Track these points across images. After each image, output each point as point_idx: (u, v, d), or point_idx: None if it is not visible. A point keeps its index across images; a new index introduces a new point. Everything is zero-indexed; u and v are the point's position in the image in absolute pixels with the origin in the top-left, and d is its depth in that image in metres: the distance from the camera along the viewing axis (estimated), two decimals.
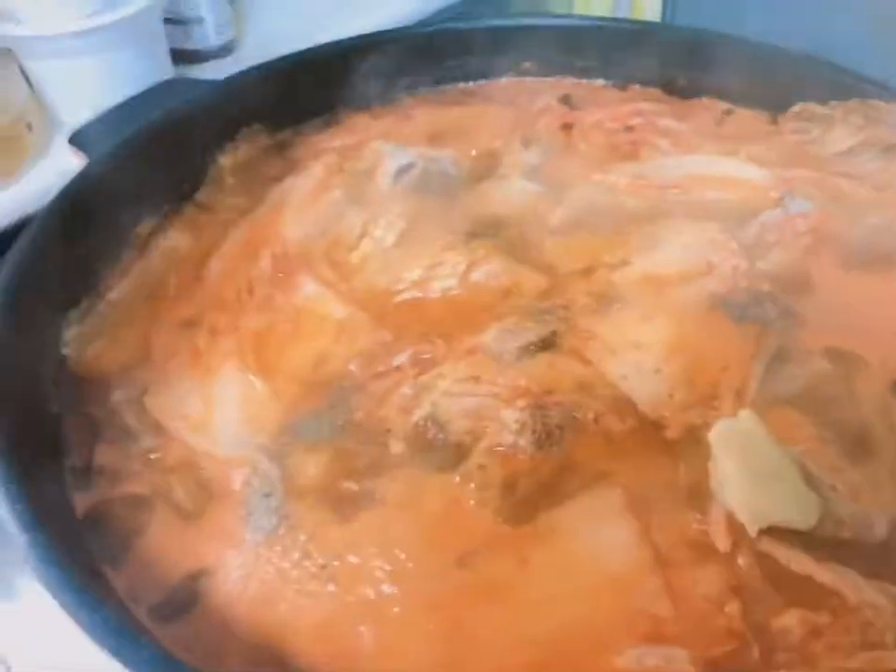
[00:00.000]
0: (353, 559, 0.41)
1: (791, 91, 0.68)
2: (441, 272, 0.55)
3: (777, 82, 0.68)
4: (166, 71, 0.89)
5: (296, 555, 0.41)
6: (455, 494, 0.43)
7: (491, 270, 0.55)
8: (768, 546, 0.39)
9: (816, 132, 0.64)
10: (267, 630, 0.39)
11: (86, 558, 0.41)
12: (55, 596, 0.34)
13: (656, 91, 0.75)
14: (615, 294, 0.53)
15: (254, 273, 0.57)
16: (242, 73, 0.71)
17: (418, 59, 0.76)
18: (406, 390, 0.48)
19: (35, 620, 0.55)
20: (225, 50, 1.00)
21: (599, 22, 0.81)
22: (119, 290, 0.58)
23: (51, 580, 0.34)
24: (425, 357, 0.50)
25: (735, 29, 0.73)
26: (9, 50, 0.78)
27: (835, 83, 0.66)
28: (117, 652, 0.32)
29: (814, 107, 0.66)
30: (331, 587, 0.40)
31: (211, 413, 0.48)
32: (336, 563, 0.41)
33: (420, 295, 0.55)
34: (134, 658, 0.31)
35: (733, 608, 0.37)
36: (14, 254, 0.52)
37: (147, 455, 0.47)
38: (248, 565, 0.41)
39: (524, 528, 0.42)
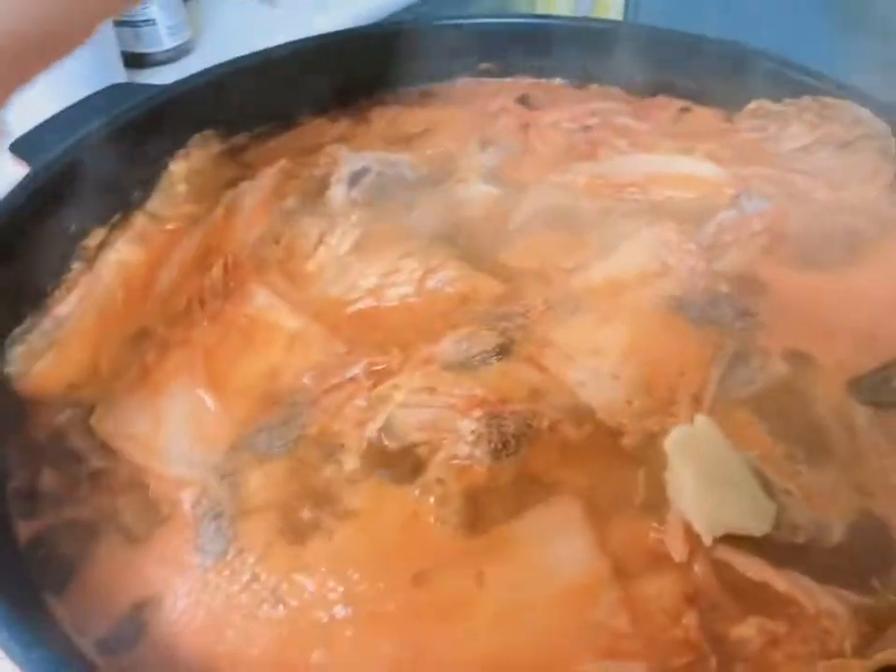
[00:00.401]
0: (304, 580, 0.39)
1: (747, 88, 0.68)
2: (397, 279, 0.54)
3: (733, 80, 0.68)
4: (118, 75, 0.87)
5: (245, 578, 0.40)
6: (413, 509, 0.42)
7: (447, 276, 0.54)
8: (724, 553, 0.38)
9: (772, 129, 0.64)
10: (216, 660, 0.38)
11: (28, 589, 0.40)
12: None
13: (614, 90, 0.75)
14: (573, 299, 0.53)
15: (205, 284, 0.56)
16: (191, 76, 0.69)
17: (374, 60, 0.75)
18: (360, 402, 0.47)
19: None
20: (180, 53, 0.98)
21: (557, 21, 0.80)
22: (66, 305, 0.56)
23: None
24: (380, 367, 0.49)
25: (696, 28, 0.73)
26: None
27: (790, 80, 0.66)
28: None
29: (769, 105, 0.66)
30: (282, 611, 0.39)
31: (159, 431, 0.47)
32: (286, 585, 0.39)
33: (375, 304, 0.54)
34: None
35: (690, 618, 0.37)
36: None
37: (93, 479, 0.45)
38: (196, 591, 0.40)
39: (480, 542, 0.41)
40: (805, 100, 0.63)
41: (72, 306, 0.56)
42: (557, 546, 0.40)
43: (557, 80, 0.77)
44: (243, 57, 0.72)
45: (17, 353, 0.52)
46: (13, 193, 0.56)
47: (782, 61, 0.66)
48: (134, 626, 0.39)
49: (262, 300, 0.54)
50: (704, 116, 0.69)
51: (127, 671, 0.37)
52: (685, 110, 0.70)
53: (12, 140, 0.64)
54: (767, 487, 0.40)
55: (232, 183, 0.66)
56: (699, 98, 0.70)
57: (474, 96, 0.75)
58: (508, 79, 0.77)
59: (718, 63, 0.69)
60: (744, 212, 0.56)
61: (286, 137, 0.72)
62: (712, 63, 0.69)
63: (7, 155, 0.67)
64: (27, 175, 0.58)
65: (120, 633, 0.39)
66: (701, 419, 0.42)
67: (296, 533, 0.42)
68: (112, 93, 0.69)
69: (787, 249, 0.55)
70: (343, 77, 0.74)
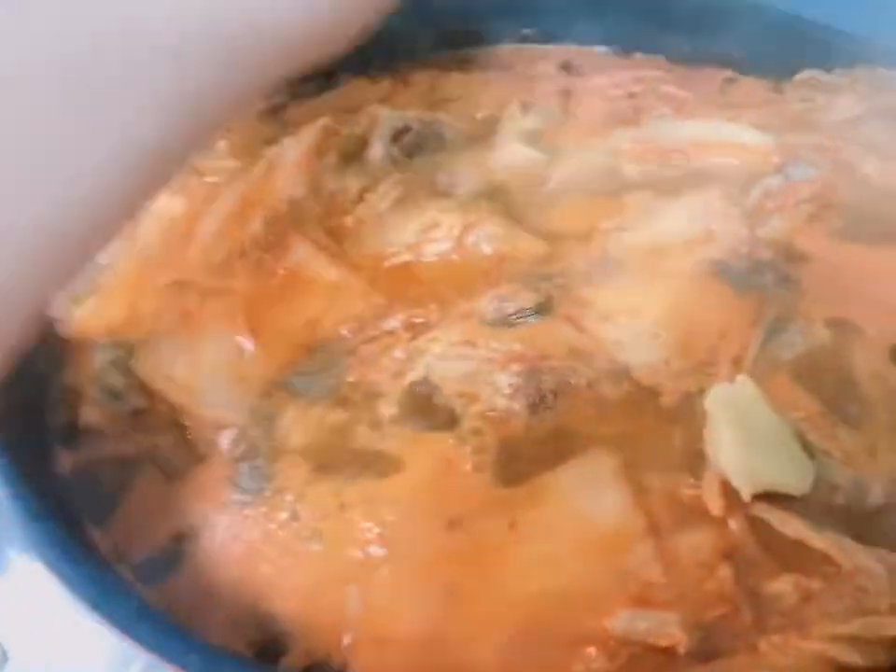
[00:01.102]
0: (340, 520, 0.40)
1: (796, 58, 0.67)
2: (437, 234, 0.54)
3: (782, 49, 0.67)
4: None
5: (282, 516, 0.41)
6: (448, 457, 0.42)
7: (487, 233, 0.54)
8: (762, 510, 0.38)
9: (821, 99, 0.62)
10: (252, 590, 0.38)
11: (70, 516, 0.40)
12: (37, 551, 0.33)
13: (659, 59, 0.73)
14: (613, 261, 0.52)
15: (246, 236, 0.56)
16: None
17: (417, 23, 0.75)
18: (398, 354, 0.47)
19: (30, 594, 0.55)
20: None
21: None
22: (106, 253, 0.57)
23: (35, 534, 0.34)
24: (418, 321, 0.49)
25: None
26: None
27: (841, 50, 0.64)
28: (98, 607, 0.31)
29: (819, 75, 0.64)
30: (317, 547, 0.39)
31: (198, 373, 0.47)
32: (322, 524, 0.40)
33: (414, 259, 0.54)
34: (117, 613, 0.31)
35: (725, 572, 0.37)
36: None
37: (133, 416, 0.46)
38: (233, 525, 0.41)
39: (514, 491, 0.41)
40: (858, 70, 0.62)
41: (113, 255, 0.57)
42: (592, 497, 0.40)
43: (600, 48, 0.76)
44: None
45: (60, 296, 0.53)
46: None
47: (833, 30, 0.65)
48: (172, 556, 0.40)
49: (302, 252, 0.54)
50: (751, 86, 0.68)
51: (164, 597, 0.38)
52: (731, 80, 0.68)
53: None
54: (807, 448, 0.40)
55: (272, 140, 0.66)
56: (746, 68, 0.69)
57: (515, 62, 0.74)
58: (549, 46, 0.77)
59: (766, 32, 0.67)
60: (790, 179, 0.55)
61: (326, 97, 0.72)
62: (760, 32, 0.67)
63: None
64: None
65: (158, 561, 0.40)
66: (741, 378, 0.42)
67: (332, 475, 0.42)
68: None
69: (832, 219, 0.54)
70: (385, 39, 0.74)
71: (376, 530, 0.39)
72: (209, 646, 0.31)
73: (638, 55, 0.74)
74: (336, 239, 0.56)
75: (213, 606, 0.38)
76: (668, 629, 0.35)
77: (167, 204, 0.60)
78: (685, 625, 0.35)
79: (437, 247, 0.54)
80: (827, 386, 0.44)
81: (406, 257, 0.54)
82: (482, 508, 0.40)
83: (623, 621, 0.35)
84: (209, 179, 0.63)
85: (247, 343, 0.49)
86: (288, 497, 0.41)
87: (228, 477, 0.43)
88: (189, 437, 0.45)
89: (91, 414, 0.47)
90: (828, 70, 0.64)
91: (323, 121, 0.65)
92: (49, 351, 0.50)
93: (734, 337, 0.47)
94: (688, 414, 0.43)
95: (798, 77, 0.66)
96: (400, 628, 0.37)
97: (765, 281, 0.50)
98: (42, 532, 0.34)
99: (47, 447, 0.45)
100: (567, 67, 0.73)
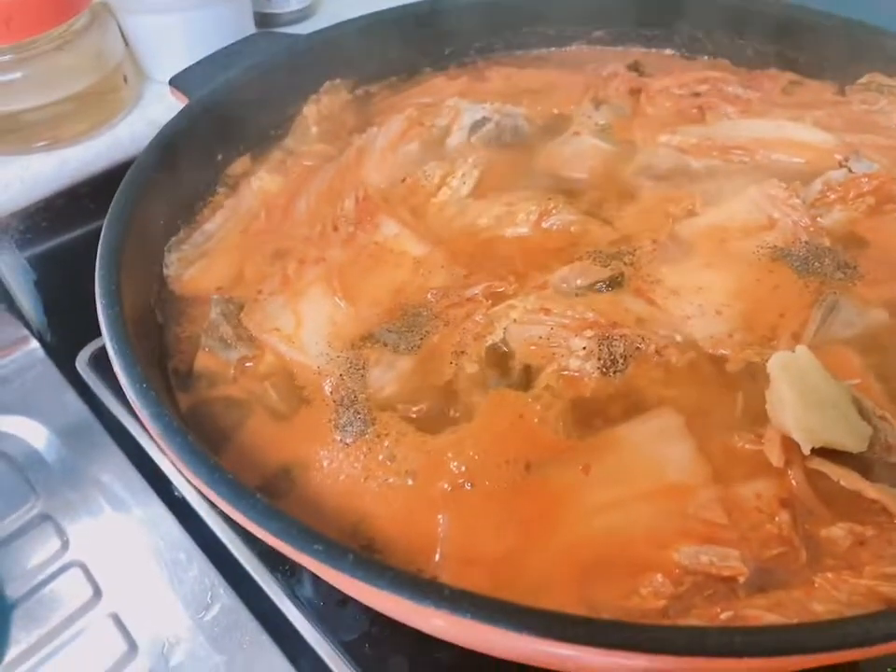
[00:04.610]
0: (432, 460, 0.45)
1: (859, 62, 0.70)
2: (515, 219, 0.59)
3: (845, 53, 0.70)
4: (249, 31, 0.94)
5: (380, 456, 0.45)
6: (523, 410, 0.47)
7: (562, 219, 0.59)
8: (819, 464, 0.41)
9: (882, 102, 0.66)
10: (353, 515, 0.43)
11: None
12: (179, 458, 0.38)
13: (723, 61, 0.77)
14: (680, 243, 0.56)
15: (338, 213, 0.61)
16: (326, 29, 0.75)
17: (495, 23, 0.80)
18: (479, 318, 0.52)
19: (121, 540, 0.61)
20: (304, 15, 1.04)
21: None
22: (213, 223, 0.63)
23: (175, 445, 0.39)
24: (497, 290, 0.54)
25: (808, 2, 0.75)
26: (106, 5, 0.83)
27: None
28: (234, 504, 0.36)
29: (881, 78, 0.67)
30: (411, 482, 0.44)
31: (301, 327, 0.52)
32: (416, 462, 0.45)
33: (492, 237, 0.59)
34: (252, 509, 0.36)
35: (783, 517, 0.40)
36: (124, 183, 0.57)
37: (242, 363, 0.52)
38: (337, 461, 0.46)
39: (587, 442, 0.45)
40: None
41: (218, 224, 0.63)
42: (661, 448, 0.44)
43: (667, 51, 0.80)
44: (371, 14, 0.77)
45: (173, 258, 0.59)
46: (175, 120, 0.63)
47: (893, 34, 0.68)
48: (283, 483, 0.45)
49: (391, 229, 0.59)
50: (814, 88, 0.71)
51: None
52: (795, 82, 0.72)
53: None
54: (863, 412, 0.43)
55: (358, 129, 0.72)
56: (810, 71, 0.72)
57: (587, 61, 0.79)
58: (619, 48, 0.81)
59: (832, 38, 0.70)
60: (851, 172, 0.58)
61: (408, 93, 0.77)
62: (826, 38, 0.71)
63: (156, 98, 0.74)
64: (187, 105, 0.65)
65: (271, 487, 0.45)
66: (802, 348, 0.45)
67: (424, 422, 0.47)
68: (255, 42, 0.75)
69: (892, 211, 0.57)
70: (465, 38, 0.79)
71: (463, 469, 0.44)
72: (332, 540, 0.35)
73: (704, 58, 0.78)
74: (420, 218, 0.61)
75: (319, 525, 0.42)
76: (730, 562, 0.39)
77: (267, 181, 0.66)
78: (745, 560, 0.39)
79: (515, 230, 0.59)
80: (883, 361, 0.47)
81: (486, 236, 0.59)
82: (555, 455, 0.45)
83: (687, 553, 0.39)
84: (305, 162, 0.68)
85: (342, 304, 0.54)
86: (386, 442, 0.46)
87: (331, 419, 0.47)
88: (295, 383, 0.50)
89: (204, 361, 0.52)
90: (890, 74, 0.67)
91: (408, 112, 0.70)
92: (165, 306, 0.56)
93: (793, 315, 0.50)
94: (750, 380, 0.47)
95: (860, 80, 0.69)
96: (483, 551, 0.41)
97: (825, 266, 0.54)
98: (183, 443, 0.39)
99: (167, 387, 0.50)
100: (635, 67, 0.77)
